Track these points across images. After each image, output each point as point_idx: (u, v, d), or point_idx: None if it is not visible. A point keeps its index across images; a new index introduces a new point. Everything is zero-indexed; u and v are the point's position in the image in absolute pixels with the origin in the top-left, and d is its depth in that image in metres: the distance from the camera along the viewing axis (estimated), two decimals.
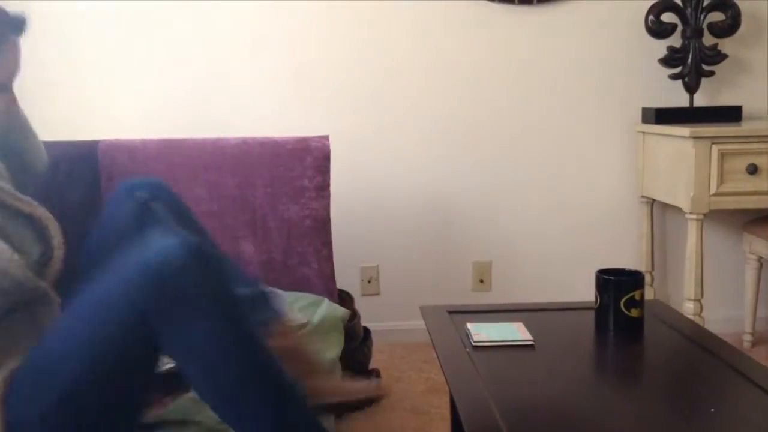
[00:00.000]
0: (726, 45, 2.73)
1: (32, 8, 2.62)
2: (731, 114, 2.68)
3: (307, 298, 2.02)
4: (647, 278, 2.82)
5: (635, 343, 1.36)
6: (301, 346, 1.30)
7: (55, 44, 2.66)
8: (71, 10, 2.65)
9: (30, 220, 1.23)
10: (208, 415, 1.13)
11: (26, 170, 1.49)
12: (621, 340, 1.36)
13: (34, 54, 2.65)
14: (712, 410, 1.06)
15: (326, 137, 2.31)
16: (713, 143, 2.39)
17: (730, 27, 2.67)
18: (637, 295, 1.42)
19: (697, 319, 2.42)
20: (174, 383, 1.20)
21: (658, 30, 2.68)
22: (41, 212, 1.24)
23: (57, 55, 2.67)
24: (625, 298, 1.41)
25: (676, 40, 2.71)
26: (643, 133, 2.74)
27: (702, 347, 1.38)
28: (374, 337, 2.46)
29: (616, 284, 1.43)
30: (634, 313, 1.42)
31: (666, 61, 2.72)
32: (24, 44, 2.75)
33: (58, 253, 1.20)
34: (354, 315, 2.23)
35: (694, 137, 2.39)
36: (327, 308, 1.87)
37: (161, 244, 1.02)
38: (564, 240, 2.87)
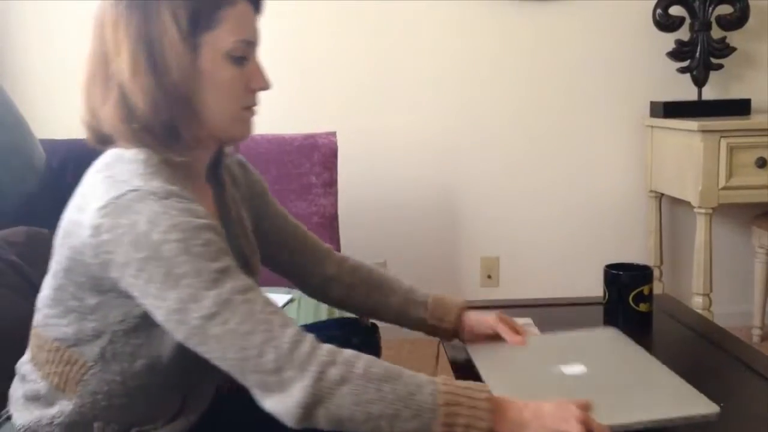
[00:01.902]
0: (734, 38, 2.71)
1: (36, 8, 2.64)
2: (740, 107, 2.67)
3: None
4: (656, 273, 2.82)
5: (644, 338, 1.36)
6: None
7: (59, 44, 2.68)
8: (72, 10, 2.66)
9: None
10: None
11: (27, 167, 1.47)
12: (629, 335, 1.35)
13: (40, 53, 2.68)
14: (722, 404, 1.06)
15: (333, 134, 2.31)
16: (722, 137, 2.38)
17: (738, 20, 2.65)
18: (645, 290, 1.41)
19: (705, 314, 2.42)
20: None
21: (665, 23, 2.67)
22: None
23: (65, 52, 2.68)
24: (633, 293, 1.40)
25: (684, 34, 2.70)
26: (652, 127, 2.73)
27: (711, 341, 1.37)
28: (382, 333, 2.46)
29: (624, 279, 1.42)
30: (642, 308, 1.41)
31: (674, 55, 2.70)
32: (33, 44, 2.77)
33: None
34: None
35: (703, 131, 2.38)
36: None
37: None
38: (572, 235, 2.87)
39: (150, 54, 0.95)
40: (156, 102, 0.96)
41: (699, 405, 0.99)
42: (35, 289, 1.16)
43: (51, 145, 2.17)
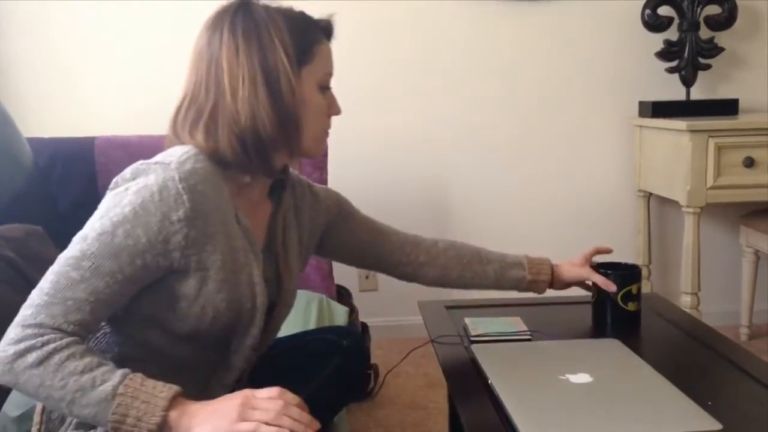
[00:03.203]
0: (722, 38, 2.73)
1: (29, 8, 2.62)
2: (728, 107, 2.69)
3: (305, 294, 2.02)
4: (644, 272, 2.83)
5: (632, 337, 1.37)
6: None
7: (53, 41, 2.66)
8: (60, 9, 2.64)
9: None
10: None
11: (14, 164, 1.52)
12: (618, 334, 1.36)
13: (30, 53, 2.66)
14: (710, 403, 1.07)
15: None
16: (710, 136, 2.39)
17: (726, 20, 2.67)
18: (634, 288, 1.41)
19: (694, 313, 2.43)
20: None
21: (654, 23, 2.68)
22: None
23: (53, 53, 2.67)
24: (622, 292, 1.41)
25: (672, 34, 2.71)
26: (640, 126, 2.74)
27: (699, 340, 1.38)
28: (372, 333, 2.47)
29: (613, 278, 1.42)
30: (631, 307, 1.41)
31: (662, 55, 2.72)
32: (20, 43, 2.76)
33: None
34: (352, 311, 2.24)
35: (691, 131, 2.39)
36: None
37: None
38: (561, 234, 2.87)
39: (268, 86, 1.08)
40: (266, 124, 1.08)
41: (702, 422, 1.00)
42: (29, 283, 1.17)
43: (38, 144, 2.15)
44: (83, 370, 0.94)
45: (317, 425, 0.98)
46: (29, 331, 0.95)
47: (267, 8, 1.11)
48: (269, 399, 0.96)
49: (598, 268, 1.45)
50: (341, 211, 1.41)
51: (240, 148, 1.07)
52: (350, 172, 2.73)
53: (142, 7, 2.63)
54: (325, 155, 2.27)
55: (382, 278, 2.86)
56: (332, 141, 2.41)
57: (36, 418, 1.10)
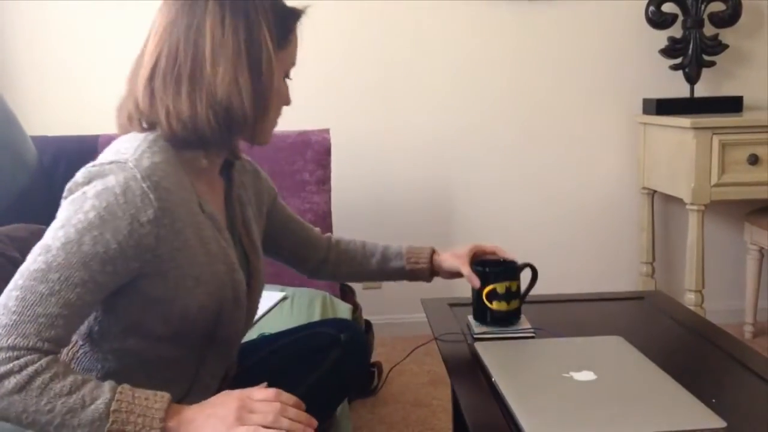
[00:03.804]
0: (726, 35, 2.72)
1: (32, 7, 2.63)
2: (732, 104, 2.68)
3: (308, 292, 2.02)
4: (648, 269, 2.82)
5: (635, 335, 1.36)
6: None
7: (57, 40, 2.67)
8: (72, 8, 2.65)
9: None
10: None
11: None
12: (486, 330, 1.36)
13: (34, 52, 2.66)
14: (714, 400, 1.07)
15: (327, 131, 2.31)
16: (714, 134, 2.38)
17: (730, 17, 2.66)
18: (500, 288, 1.36)
19: (698, 310, 2.42)
20: None
21: (658, 20, 2.68)
22: None
23: (57, 52, 2.67)
24: (486, 290, 1.36)
25: (676, 31, 2.71)
26: (644, 124, 2.74)
27: (703, 338, 1.38)
28: (376, 331, 2.47)
29: (480, 274, 1.38)
30: (496, 305, 1.36)
31: (666, 52, 2.71)
32: (24, 42, 2.77)
33: None
34: (355, 308, 2.24)
35: (695, 128, 2.38)
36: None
37: None
38: (565, 232, 2.87)
39: (250, 64, 1.05)
40: (245, 103, 1.04)
41: (706, 420, 1.00)
42: None
43: (42, 142, 2.16)
44: (70, 390, 0.89)
45: (315, 423, 0.97)
46: (2, 355, 0.88)
47: None
48: (266, 401, 0.94)
49: (481, 263, 1.40)
50: (275, 196, 1.39)
51: (214, 121, 1.04)
52: (353, 170, 2.73)
53: (145, 5, 2.63)
54: (329, 153, 2.27)
55: None
56: (336, 139, 2.42)
57: None
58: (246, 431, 0.91)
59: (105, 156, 1.02)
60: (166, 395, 0.93)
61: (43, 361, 0.90)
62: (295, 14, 1.16)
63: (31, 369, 0.88)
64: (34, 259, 0.93)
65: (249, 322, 1.23)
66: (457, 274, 1.43)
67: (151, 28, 1.09)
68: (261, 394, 0.95)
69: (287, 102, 1.16)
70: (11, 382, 0.88)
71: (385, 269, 1.47)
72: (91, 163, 1.01)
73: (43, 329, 0.91)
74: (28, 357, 0.89)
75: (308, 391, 1.15)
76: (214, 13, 1.04)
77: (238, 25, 1.04)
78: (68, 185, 1.01)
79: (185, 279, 1.03)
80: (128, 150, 1.01)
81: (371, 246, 1.49)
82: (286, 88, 1.16)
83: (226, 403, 0.94)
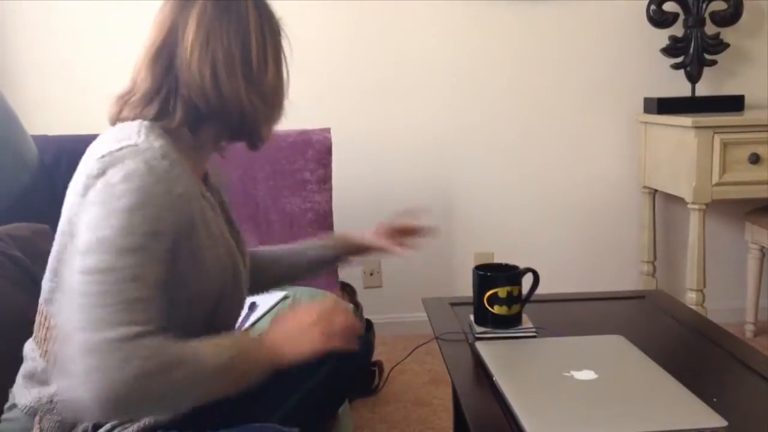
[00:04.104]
0: (728, 34, 2.72)
1: (33, 7, 2.63)
2: (733, 103, 2.68)
3: (309, 291, 2.02)
4: (649, 269, 2.82)
5: (637, 334, 1.36)
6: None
7: (58, 39, 2.67)
8: (73, 8, 2.65)
9: None
10: None
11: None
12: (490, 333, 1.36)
13: (35, 51, 2.67)
14: (715, 400, 1.06)
15: (328, 130, 2.31)
16: (715, 133, 2.38)
17: (732, 16, 2.66)
18: (502, 292, 1.36)
19: (699, 309, 2.42)
20: None
21: (659, 19, 2.68)
22: None
23: (58, 52, 2.67)
24: (487, 294, 1.37)
25: (677, 30, 2.71)
26: (645, 123, 2.73)
27: (704, 337, 1.38)
28: (377, 330, 2.47)
29: (479, 278, 1.39)
30: (497, 310, 1.37)
31: (668, 51, 2.71)
32: (25, 41, 2.76)
33: None
34: (356, 307, 2.24)
35: (696, 127, 2.38)
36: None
37: None
38: (566, 231, 2.87)
39: (278, 66, 1.14)
40: (250, 101, 1.10)
41: (707, 419, 1.00)
42: (36, 283, 1.17)
43: (43, 142, 2.16)
44: (198, 359, 0.94)
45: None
46: (121, 353, 0.87)
47: None
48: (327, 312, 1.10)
49: (483, 267, 1.41)
50: (227, 184, 1.44)
51: (256, 113, 1.11)
52: (354, 170, 2.73)
53: (146, 5, 2.63)
54: (330, 152, 2.27)
55: (386, 275, 2.86)
56: (337, 139, 2.42)
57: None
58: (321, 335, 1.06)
59: (106, 146, 1.01)
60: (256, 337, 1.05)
61: (156, 341, 0.91)
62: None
63: (152, 352, 0.89)
64: (95, 257, 0.92)
65: (243, 306, 1.25)
66: (375, 249, 1.45)
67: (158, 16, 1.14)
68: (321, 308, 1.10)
69: None
70: (144, 368, 0.88)
71: (313, 266, 1.45)
72: (98, 154, 1.00)
73: (139, 313, 0.91)
74: (144, 341, 0.89)
75: (310, 393, 1.15)
76: (256, 20, 1.11)
77: (230, 23, 1.08)
78: (83, 181, 0.99)
79: (196, 262, 1.04)
80: (130, 136, 1.01)
81: (284, 248, 1.47)
82: None
83: (297, 319, 1.08)
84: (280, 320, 1.10)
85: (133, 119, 1.07)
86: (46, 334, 1.07)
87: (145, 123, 1.04)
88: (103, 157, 0.99)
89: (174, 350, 0.92)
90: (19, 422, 1.09)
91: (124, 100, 1.10)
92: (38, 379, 1.08)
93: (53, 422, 1.05)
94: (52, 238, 1.08)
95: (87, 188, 0.98)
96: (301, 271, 1.44)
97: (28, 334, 1.15)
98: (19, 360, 1.14)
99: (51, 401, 1.05)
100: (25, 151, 2.02)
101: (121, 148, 0.99)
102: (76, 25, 2.67)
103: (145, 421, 1.06)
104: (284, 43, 1.17)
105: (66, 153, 2.15)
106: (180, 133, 1.08)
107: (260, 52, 1.10)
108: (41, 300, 1.10)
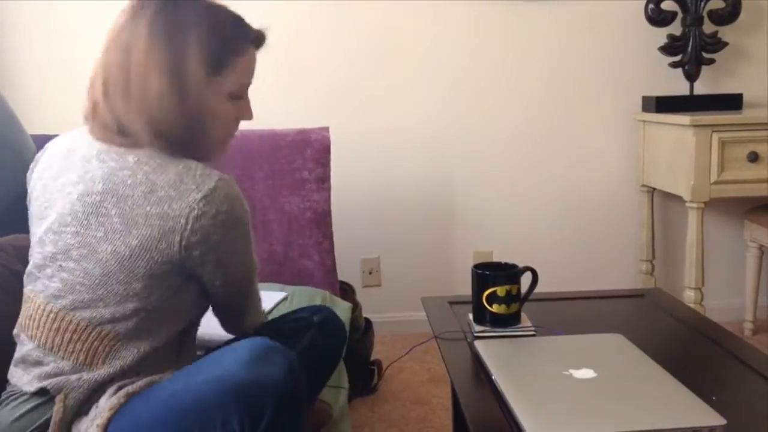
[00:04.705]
0: (726, 33, 2.72)
1: (32, 6, 2.62)
2: (732, 102, 2.68)
3: (308, 291, 2.02)
4: (647, 267, 2.83)
5: (635, 332, 1.36)
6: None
7: (57, 38, 2.66)
8: (71, 7, 2.65)
9: None
10: None
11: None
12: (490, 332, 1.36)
13: (34, 51, 2.66)
14: (714, 398, 1.07)
15: (326, 129, 2.31)
16: (714, 131, 2.38)
17: (730, 14, 2.66)
18: (500, 291, 1.37)
19: (698, 308, 2.42)
20: None
21: (658, 18, 2.68)
22: None
23: (57, 51, 2.67)
24: (486, 293, 1.37)
25: (676, 28, 2.71)
26: (644, 121, 2.73)
27: (703, 335, 1.38)
28: (376, 329, 2.47)
29: (478, 277, 1.39)
30: (496, 309, 1.37)
31: (666, 49, 2.71)
32: (24, 40, 2.76)
33: None
34: (355, 306, 2.24)
35: (695, 125, 2.38)
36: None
37: (267, 372, 1.06)
38: (564, 229, 2.87)
39: (179, 84, 1.11)
40: (178, 123, 1.12)
41: (706, 417, 1.00)
42: None
43: (42, 141, 2.15)
44: None
45: None
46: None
47: (198, 8, 1.13)
48: None
49: (481, 266, 1.41)
50: None
51: (172, 144, 1.14)
52: (353, 169, 2.73)
53: None
54: (328, 151, 2.27)
55: (385, 274, 2.86)
56: (335, 138, 2.42)
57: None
58: None
59: (190, 183, 1.11)
60: None
61: None
62: (245, 37, 1.18)
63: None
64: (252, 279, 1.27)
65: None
66: None
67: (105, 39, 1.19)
68: None
69: (246, 117, 1.23)
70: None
71: None
72: (200, 195, 1.10)
73: None
74: None
75: (299, 356, 1.20)
76: (146, 38, 1.11)
77: (166, 51, 1.10)
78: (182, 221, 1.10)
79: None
80: (202, 173, 1.12)
81: None
82: (241, 105, 1.21)
83: None
84: None
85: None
86: (70, 337, 1.12)
87: (188, 161, 1.15)
88: (205, 197, 1.10)
89: None
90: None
91: None
92: (66, 374, 1.12)
93: (76, 400, 1.11)
94: None
95: (199, 231, 1.10)
96: None
97: None
98: None
99: (78, 381, 1.11)
100: (24, 150, 2.01)
101: (215, 189, 1.12)
102: (74, 25, 2.67)
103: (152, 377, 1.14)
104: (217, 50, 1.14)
105: None
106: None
107: (141, 66, 1.11)
108: (56, 309, 1.13)
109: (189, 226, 1.09)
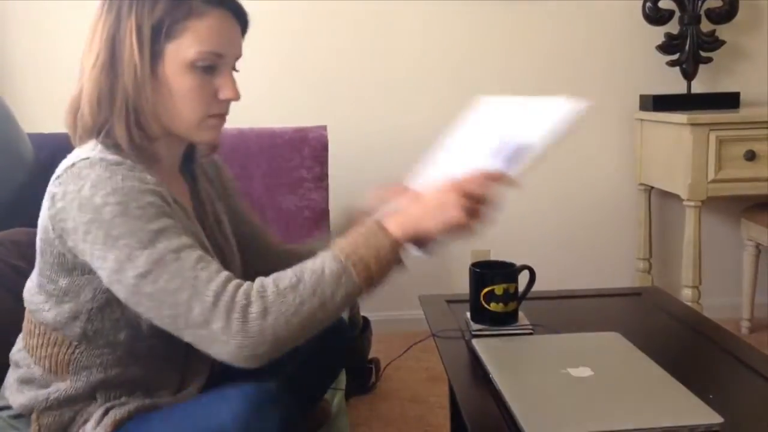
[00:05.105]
0: (723, 31, 2.72)
1: (30, 4, 2.62)
2: (729, 100, 2.68)
3: None
4: (645, 265, 2.83)
5: (633, 331, 1.37)
6: None
7: (54, 36, 2.66)
8: (69, 5, 2.64)
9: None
10: None
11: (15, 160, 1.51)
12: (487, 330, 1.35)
13: (32, 49, 2.66)
14: (711, 396, 1.07)
15: (324, 127, 2.30)
16: (711, 130, 2.38)
17: (727, 13, 2.66)
18: (498, 290, 1.37)
19: (695, 306, 2.43)
20: None
21: (655, 16, 2.68)
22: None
23: (54, 49, 2.66)
24: (484, 291, 1.38)
25: (673, 27, 2.71)
26: (641, 120, 2.74)
27: (700, 334, 1.38)
28: (373, 327, 2.47)
29: (475, 276, 1.40)
30: (494, 307, 1.37)
31: (663, 48, 2.71)
32: (21, 39, 2.74)
33: None
34: (354, 305, 2.24)
35: (692, 124, 2.38)
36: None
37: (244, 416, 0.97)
38: (562, 228, 2.87)
39: (111, 55, 1.02)
40: (100, 99, 1.03)
41: (703, 415, 1.00)
42: None
43: (40, 140, 2.15)
44: (294, 280, 0.95)
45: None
46: (222, 305, 0.92)
47: None
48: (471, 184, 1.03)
49: (479, 264, 1.42)
50: (237, 191, 1.33)
51: (124, 118, 1.04)
52: (351, 167, 2.73)
53: None
54: (326, 150, 2.27)
55: None
56: (333, 136, 2.42)
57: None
58: (460, 212, 0.99)
59: (63, 164, 1.03)
60: (372, 220, 1.02)
61: (246, 285, 0.95)
62: None
63: (253, 293, 0.94)
64: (138, 262, 0.94)
65: None
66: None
67: None
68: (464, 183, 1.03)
69: (225, 94, 1.08)
70: (253, 311, 0.92)
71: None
72: (54, 177, 1.02)
73: (213, 264, 0.96)
74: (234, 288, 0.94)
75: (295, 372, 1.18)
76: (97, 10, 1.09)
77: (107, 21, 1.05)
78: (50, 208, 1.00)
79: None
80: (84, 152, 1.02)
81: (309, 245, 1.33)
82: (218, 79, 1.07)
83: (436, 196, 1.02)
84: (409, 203, 1.06)
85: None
86: (36, 341, 1.08)
87: (100, 144, 1.05)
88: (58, 177, 1.00)
89: (284, 275, 0.96)
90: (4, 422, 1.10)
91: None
92: (38, 383, 1.09)
93: (52, 417, 1.07)
94: None
95: (57, 215, 0.99)
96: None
97: None
98: None
99: (47, 399, 1.07)
100: (21, 148, 2.01)
101: (74, 164, 1.00)
102: (72, 22, 2.66)
103: (139, 402, 1.08)
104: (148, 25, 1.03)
105: (63, 151, 2.13)
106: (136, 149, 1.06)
107: (91, 39, 1.06)
108: (27, 309, 1.11)
109: (49, 211, 1.00)
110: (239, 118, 2.52)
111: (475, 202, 1.01)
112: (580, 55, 2.79)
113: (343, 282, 0.96)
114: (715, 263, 2.85)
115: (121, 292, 0.96)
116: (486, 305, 1.37)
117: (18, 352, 1.14)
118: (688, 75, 2.71)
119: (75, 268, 1.02)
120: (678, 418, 1.00)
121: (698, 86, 2.76)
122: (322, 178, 2.22)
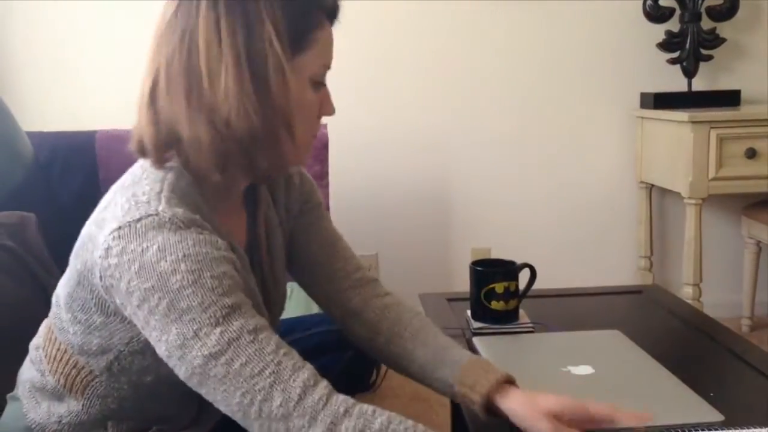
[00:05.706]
0: (724, 29, 2.72)
1: (29, 2, 2.62)
2: (730, 98, 2.68)
3: None
4: (645, 263, 2.83)
5: (634, 329, 1.36)
6: None
7: (53, 35, 2.66)
8: (68, 3, 2.64)
9: None
10: None
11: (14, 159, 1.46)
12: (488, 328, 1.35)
13: (30, 47, 2.66)
14: (711, 394, 1.07)
15: (324, 125, 2.30)
16: (712, 128, 2.38)
17: (728, 11, 2.66)
18: (499, 287, 1.37)
19: (695, 304, 2.43)
20: None
21: (656, 14, 2.67)
22: None
23: (53, 47, 2.66)
24: (484, 290, 1.37)
25: (674, 25, 2.70)
26: (642, 118, 2.73)
27: (701, 332, 1.38)
28: None
29: (476, 274, 1.39)
30: (495, 305, 1.37)
31: (664, 46, 2.71)
32: (20, 37, 2.75)
33: None
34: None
35: (693, 122, 2.38)
36: None
37: None
38: (563, 226, 2.87)
39: (254, 73, 0.88)
40: (254, 122, 0.89)
41: (704, 413, 1.00)
42: (30, 272, 1.14)
43: (39, 138, 2.15)
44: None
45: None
46: (309, 401, 0.84)
47: None
48: None
49: (479, 262, 1.41)
50: (312, 199, 1.20)
51: (221, 147, 0.90)
52: (351, 165, 2.73)
53: (142, 2, 2.62)
54: (326, 148, 2.27)
55: (383, 270, 2.86)
56: (333, 135, 2.42)
57: None
58: None
59: (121, 213, 0.88)
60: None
61: (343, 397, 0.90)
62: (319, 6, 0.97)
63: (356, 409, 0.92)
64: (201, 342, 0.83)
65: None
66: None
67: (152, 36, 0.95)
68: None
69: (327, 111, 1.01)
70: (347, 426, 0.87)
71: (429, 371, 1.08)
72: (115, 225, 0.87)
73: (296, 357, 0.88)
74: (330, 395, 0.87)
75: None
76: (207, 17, 0.88)
77: (235, 27, 0.88)
78: (102, 257, 0.87)
79: None
80: (148, 196, 0.89)
81: (431, 332, 1.11)
82: (321, 96, 0.99)
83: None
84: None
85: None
86: (55, 355, 1.02)
87: (170, 177, 0.92)
88: (119, 229, 0.86)
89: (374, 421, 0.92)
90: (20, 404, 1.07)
91: None
92: (50, 394, 1.05)
93: None
94: (38, 228, 1.05)
95: (109, 270, 0.87)
96: (419, 376, 1.13)
97: (28, 323, 1.11)
98: (18, 351, 1.12)
99: (59, 421, 1.03)
100: (19, 147, 2.01)
101: (140, 219, 0.86)
102: (71, 22, 2.66)
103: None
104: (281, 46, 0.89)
105: (61, 149, 2.14)
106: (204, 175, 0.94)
107: (210, 61, 0.88)
108: (50, 317, 1.05)
109: (100, 259, 0.87)
110: None
111: None
112: (581, 53, 2.79)
113: None
114: (716, 261, 2.85)
115: (181, 370, 0.85)
116: (487, 303, 1.37)
117: (37, 349, 1.07)
118: (689, 73, 2.70)
119: (116, 314, 0.93)
120: (679, 416, 1.00)
121: (699, 84, 2.76)
122: (322, 176, 2.22)
